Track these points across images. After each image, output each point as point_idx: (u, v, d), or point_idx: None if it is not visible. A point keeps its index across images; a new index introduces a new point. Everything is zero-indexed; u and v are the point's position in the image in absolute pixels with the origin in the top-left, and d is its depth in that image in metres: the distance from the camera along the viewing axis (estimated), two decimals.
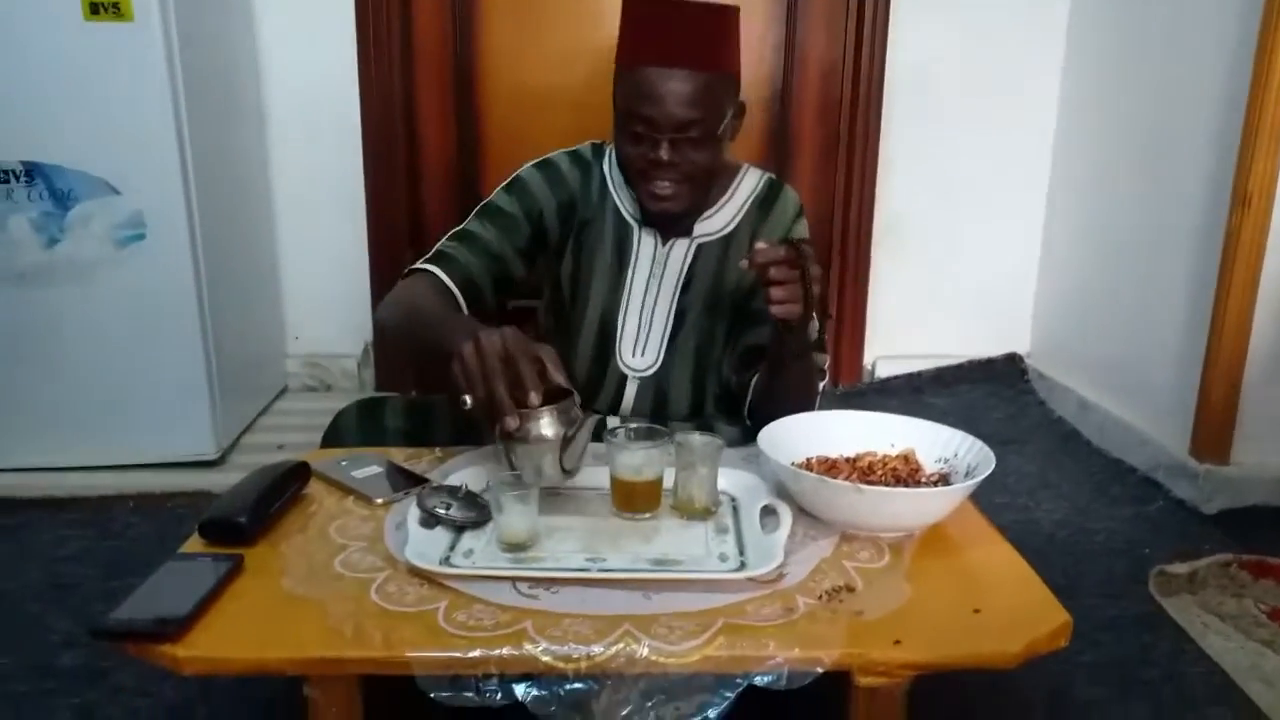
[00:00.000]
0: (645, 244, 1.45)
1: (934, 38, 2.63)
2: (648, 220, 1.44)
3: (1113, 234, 2.47)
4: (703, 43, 1.28)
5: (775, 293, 1.15)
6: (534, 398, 1.02)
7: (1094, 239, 2.56)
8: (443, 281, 1.35)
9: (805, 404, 1.34)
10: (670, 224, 1.43)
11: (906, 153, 2.71)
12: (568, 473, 1.07)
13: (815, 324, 1.26)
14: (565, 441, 1.05)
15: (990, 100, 2.70)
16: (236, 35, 2.46)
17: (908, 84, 2.65)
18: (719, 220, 1.44)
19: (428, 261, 1.38)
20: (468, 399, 1.03)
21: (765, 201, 1.46)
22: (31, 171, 2.01)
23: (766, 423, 1.19)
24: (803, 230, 1.46)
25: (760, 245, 1.17)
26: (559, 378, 1.06)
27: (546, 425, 1.05)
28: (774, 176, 1.49)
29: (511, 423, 1.01)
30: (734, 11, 1.32)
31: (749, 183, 1.47)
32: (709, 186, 1.39)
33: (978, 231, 2.80)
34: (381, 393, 2.73)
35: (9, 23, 1.94)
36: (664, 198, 1.34)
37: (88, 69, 1.97)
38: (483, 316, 1.36)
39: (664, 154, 1.29)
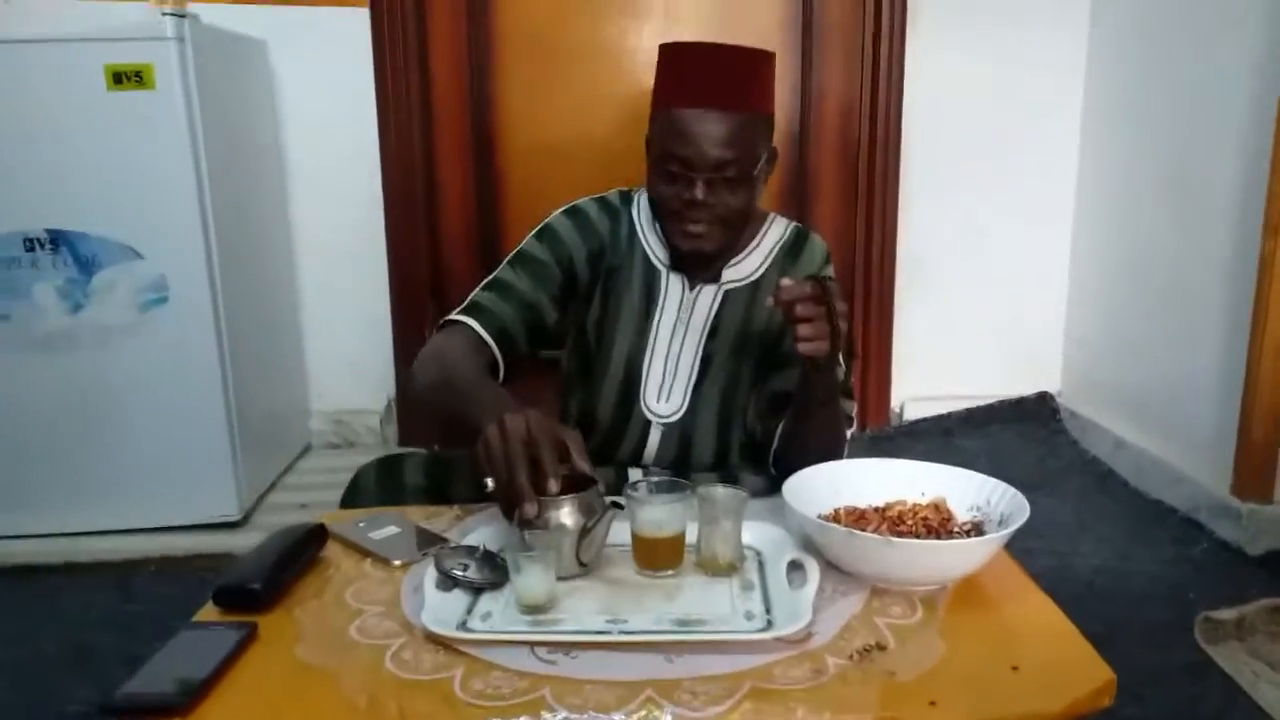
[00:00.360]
0: (673, 289, 1.44)
1: (951, 76, 2.63)
2: (676, 265, 1.43)
3: (1141, 266, 2.43)
4: (738, 85, 1.29)
5: (802, 330, 1.15)
6: (552, 485, 1.00)
7: (1122, 272, 2.53)
8: (478, 335, 1.35)
9: (832, 451, 1.31)
10: (698, 268, 1.42)
11: (927, 192, 2.70)
12: (584, 565, 1.05)
13: (842, 366, 1.24)
14: (583, 533, 1.03)
15: (1010, 136, 2.69)
16: (258, 100, 2.50)
17: (926, 123, 2.64)
18: (746, 267, 1.43)
19: (463, 312, 1.38)
20: (489, 482, 1.03)
21: (793, 249, 1.45)
22: (56, 239, 2.04)
23: (792, 471, 1.16)
24: (829, 276, 1.44)
25: (785, 282, 1.16)
26: (583, 465, 1.04)
27: (566, 515, 1.04)
28: (800, 225, 1.49)
29: (530, 510, 1.00)
30: (769, 56, 1.34)
31: (776, 230, 1.46)
32: (741, 229, 1.39)
33: (1003, 268, 2.77)
34: (403, 448, 2.72)
35: (35, 94, 1.99)
36: (697, 236, 1.33)
37: (111, 137, 2.01)
38: (516, 367, 1.39)
39: (699, 194, 1.29)
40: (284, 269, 2.66)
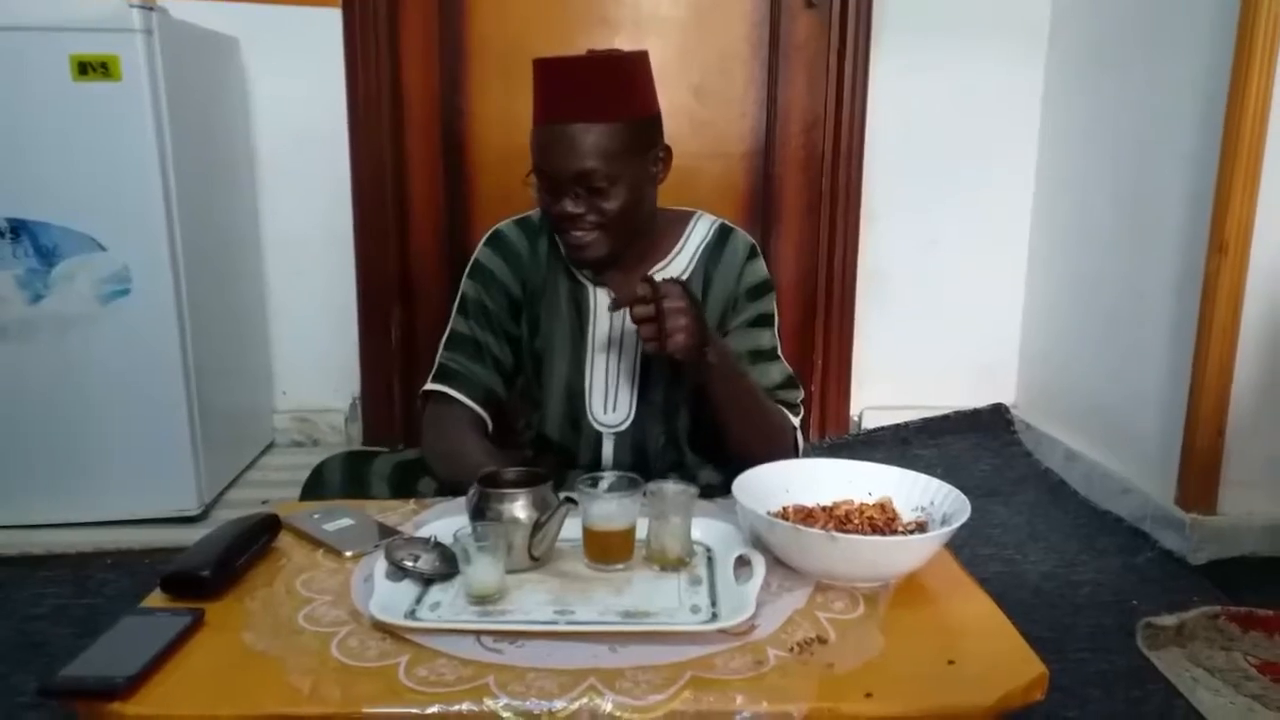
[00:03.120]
0: (601, 302, 1.45)
1: (913, 94, 2.68)
2: (599, 280, 1.45)
3: (1093, 284, 2.48)
4: (599, 96, 1.30)
5: (642, 330, 1.23)
6: None
7: (1075, 289, 2.58)
8: (468, 410, 1.42)
9: (768, 434, 1.38)
10: (602, 268, 1.43)
11: (889, 206, 2.74)
12: (535, 559, 1.07)
13: (726, 359, 1.32)
14: (536, 527, 1.05)
15: (970, 154, 2.74)
16: (229, 96, 2.50)
17: (888, 139, 2.69)
18: (673, 270, 1.44)
19: (441, 379, 1.43)
20: None
21: (716, 247, 1.46)
22: (17, 228, 2.02)
23: (738, 466, 1.20)
24: (757, 270, 1.46)
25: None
26: None
27: (520, 508, 1.07)
28: (725, 222, 1.49)
29: None
30: (639, 58, 1.35)
31: (700, 230, 1.47)
32: (629, 230, 1.37)
33: (962, 283, 2.82)
34: (368, 448, 2.72)
35: None
36: (580, 246, 1.35)
37: (76, 128, 1.99)
38: (500, 413, 1.47)
39: (568, 206, 1.31)
40: (251, 266, 2.64)
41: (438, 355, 1.46)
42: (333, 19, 2.54)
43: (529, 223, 1.49)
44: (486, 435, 1.43)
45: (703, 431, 1.47)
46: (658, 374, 1.45)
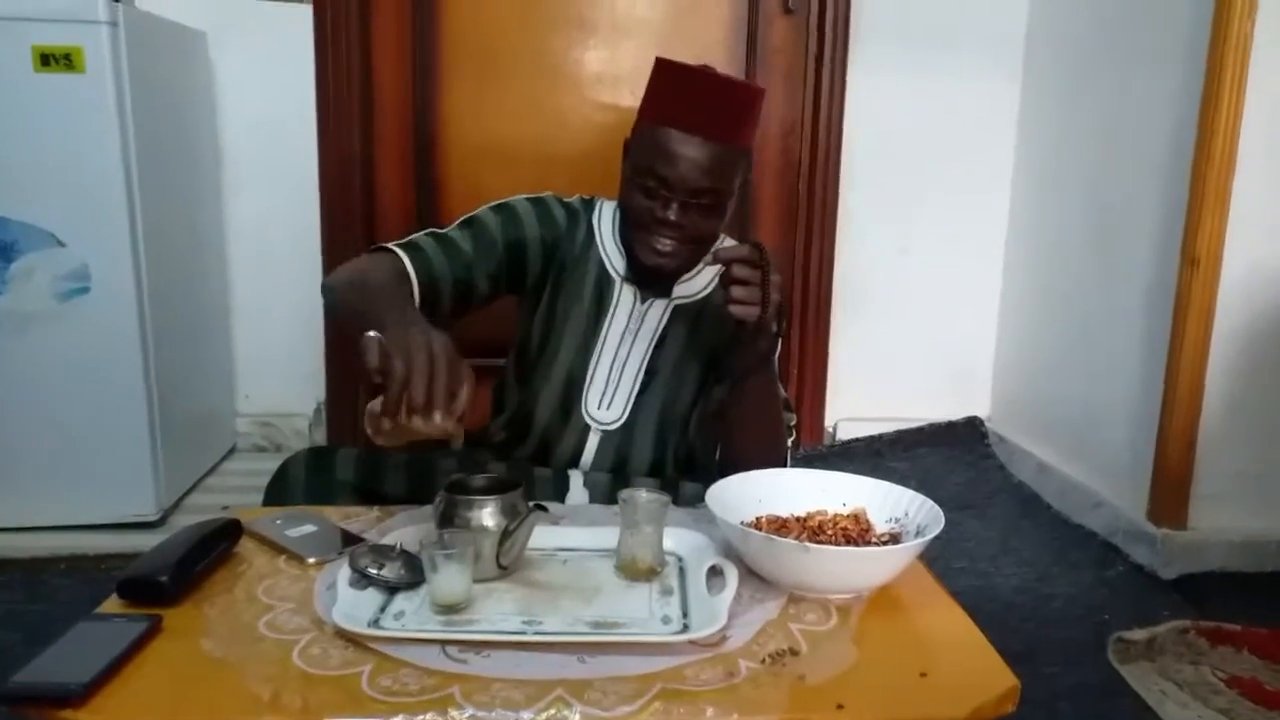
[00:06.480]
0: (624, 299, 1.45)
1: (891, 105, 2.69)
2: (630, 278, 1.45)
3: (1067, 297, 2.50)
4: (728, 116, 1.32)
5: (736, 291, 1.19)
6: (437, 416, 0.96)
7: (1049, 302, 2.60)
8: (405, 271, 1.29)
9: (773, 451, 1.35)
10: (654, 282, 1.44)
11: (865, 215, 2.74)
12: (503, 568, 1.04)
13: (773, 328, 1.26)
14: (505, 535, 1.03)
15: (946, 166, 2.75)
16: (195, 92, 2.46)
17: (866, 149, 2.69)
18: (697, 284, 1.46)
19: (398, 246, 1.32)
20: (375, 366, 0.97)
21: None
22: None
23: (737, 468, 1.19)
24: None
25: (727, 243, 1.23)
26: (456, 413, 0.98)
27: (488, 515, 1.04)
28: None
29: (438, 420, 0.95)
30: (761, 92, 1.39)
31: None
32: (705, 251, 1.39)
33: (937, 295, 2.83)
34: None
35: None
36: (663, 254, 1.35)
37: (37, 120, 1.95)
38: (432, 304, 1.32)
39: (673, 214, 1.32)
40: (215, 266, 2.60)
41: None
42: (303, 13, 2.50)
43: (569, 205, 1.48)
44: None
45: (701, 439, 1.47)
46: (660, 382, 1.45)
